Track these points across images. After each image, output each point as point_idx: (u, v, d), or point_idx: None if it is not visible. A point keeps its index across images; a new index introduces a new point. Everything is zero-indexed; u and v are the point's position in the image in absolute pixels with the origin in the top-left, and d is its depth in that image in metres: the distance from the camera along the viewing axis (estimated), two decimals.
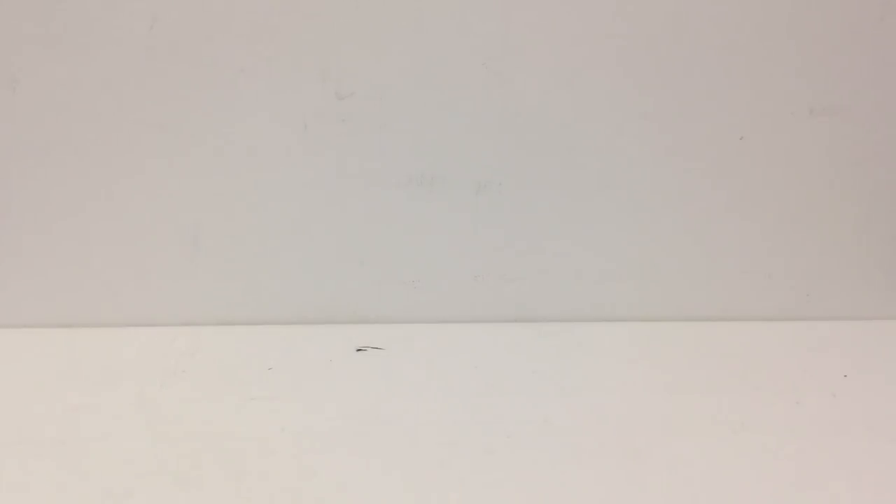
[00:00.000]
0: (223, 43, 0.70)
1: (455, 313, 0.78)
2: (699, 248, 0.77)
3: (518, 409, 0.64)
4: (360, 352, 0.73)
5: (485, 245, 0.76)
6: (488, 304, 0.78)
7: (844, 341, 0.75)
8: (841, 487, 0.55)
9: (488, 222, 0.76)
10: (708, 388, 0.67)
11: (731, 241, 0.77)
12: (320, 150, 0.73)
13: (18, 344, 0.73)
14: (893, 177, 0.76)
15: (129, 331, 0.75)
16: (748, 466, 0.57)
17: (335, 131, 0.73)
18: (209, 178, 0.73)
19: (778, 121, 0.74)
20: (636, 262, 0.77)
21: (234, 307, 0.77)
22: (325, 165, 0.74)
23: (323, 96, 0.72)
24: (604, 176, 0.75)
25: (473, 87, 0.72)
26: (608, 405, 0.65)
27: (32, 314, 0.76)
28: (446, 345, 0.74)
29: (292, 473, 0.57)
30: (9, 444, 0.59)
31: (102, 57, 0.70)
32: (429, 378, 0.69)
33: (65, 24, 0.69)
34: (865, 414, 0.64)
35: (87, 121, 0.71)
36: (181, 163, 0.73)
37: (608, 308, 0.78)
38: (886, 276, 0.78)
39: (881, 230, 0.77)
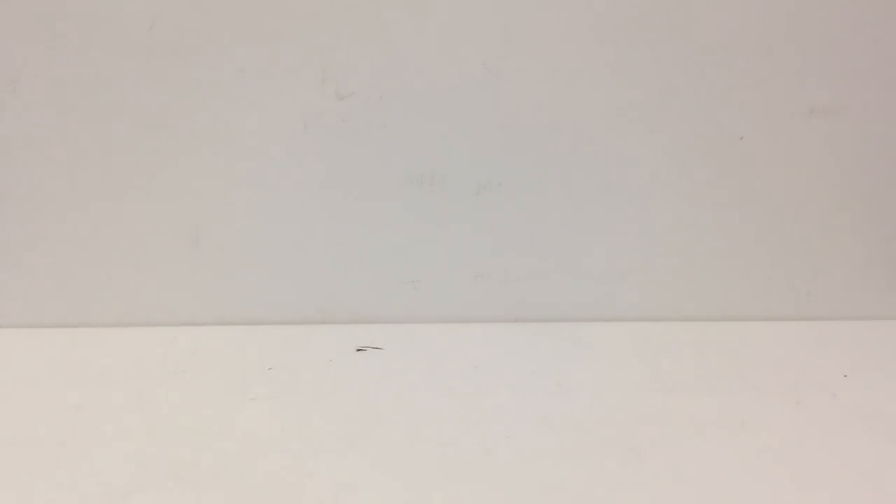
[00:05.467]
0: (223, 43, 0.70)
1: (455, 313, 0.78)
2: (699, 248, 0.77)
3: (518, 409, 0.64)
4: (360, 352, 0.73)
5: (485, 245, 0.76)
6: (488, 304, 0.78)
7: (844, 341, 0.75)
8: (841, 487, 0.55)
9: (488, 222, 0.76)
10: (708, 388, 0.67)
11: (731, 241, 0.77)
12: (320, 150, 0.73)
13: (18, 344, 0.73)
14: (893, 177, 0.76)
15: (129, 331, 0.75)
16: (748, 466, 0.57)
17: (335, 131, 0.73)
18: (209, 178, 0.73)
19: (778, 121, 0.74)
20: (636, 262, 0.77)
21: (234, 307, 0.77)
22: (325, 165, 0.74)
23: (323, 96, 0.72)
24: (604, 176, 0.75)
25: (473, 87, 0.72)
26: (608, 405, 0.65)
27: (32, 314, 0.76)
28: (446, 345, 0.74)
29: (292, 473, 0.56)
30: (9, 444, 0.59)
31: (102, 57, 0.70)
32: (429, 378, 0.69)
33: (65, 24, 0.69)
34: (865, 414, 0.64)
35: (87, 121, 0.71)
36: (181, 163, 0.73)
37: (608, 308, 0.78)
38: (886, 276, 0.78)
39: (881, 230, 0.77)
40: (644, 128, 0.74)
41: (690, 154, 0.75)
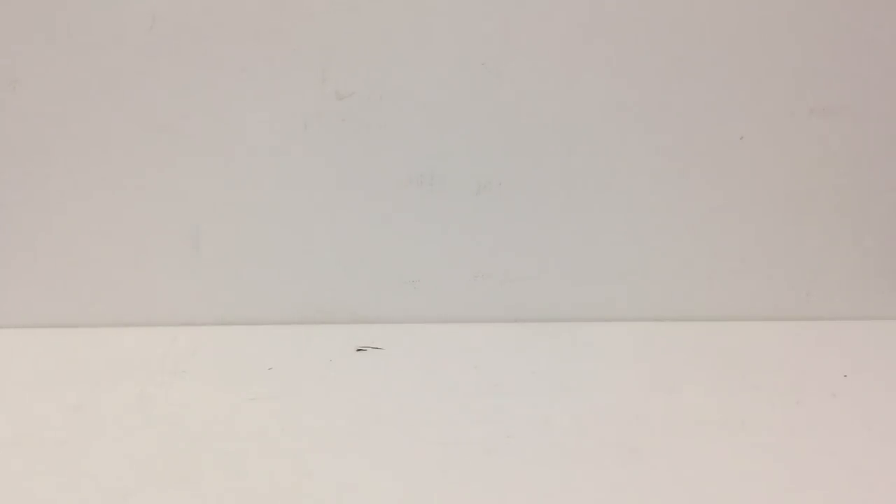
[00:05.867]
0: (223, 43, 0.70)
1: (455, 313, 0.78)
2: (699, 248, 0.77)
3: (518, 409, 0.64)
4: (360, 352, 0.73)
5: (485, 245, 0.76)
6: (488, 304, 0.78)
7: (844, 341, 0.75)
8: (841, 487, 0.55)
9: (488, 222, 0.76)
10: (708, 388, 0.67)
11: (731, 241, 0.77)
12: (320, 150, 0.73)
13: (18, 344, 0.73)
14: (893, 177, 0.76)
15: (129, 331, 0.75)
16: (748, 466, 0.57)
17: (335, 131, 0.73)
18: (209, 178, 0.73)
19: (778, 121, 0.74)
20: (636, 262, 0.77)
21: (234, 307, 0.77)
22: (325, 165, 0.74)
23: (323, 96, 0.72)
24: (604, 176, 0.75)
25: (473, 87, 0.72)
26: (608, 405, 0.65)
27: (32, 314, 0.76)
28: (446, 345, 0.74)
29: (292, 473, 0.57)
30: (9, 444, 0.59)
31: (102, 57, 0.70)
32: (429, 378, 0.69)
33: (65, 24, 0.69)
34: (865, 414, 0.64)
35: (87, 121, 0.71)
36: (181, 163, 0.73)
37: (608, 308, 0.78)
38: (886, 276, 0.78)
39: (881, 230, 0.77)
40: (644, 128, 0.74)
41: (690, 154, 0.75)
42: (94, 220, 0.74)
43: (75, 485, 0.55)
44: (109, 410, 0.63)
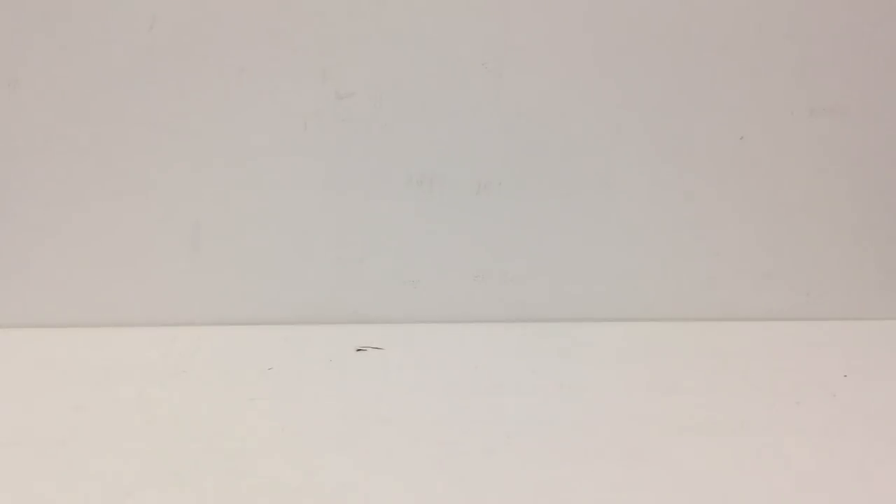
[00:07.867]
0: (223, 43, 0.70)
1: (455, 313, 0.78)
2: (699, 248, 0.77)
3: (518, 409, 0.64)
4: (360, 352, 0.73)
5: (485, 245, 0.76)
6: (488, 304, 0.78)
7: (844, 341, 0.75)
8: (841, 487, 0.55)
9: (488, 222, 0.76)
10: (708, 388, 0.67)
11: (731, 241, 0.77)
12: (320, 150, 0.73)
13: (18, 344, 0.73)
14: (893, 177, 0.76)
15: (129, 331, 0.75)
16: (748, 466, 0.57)
17: (335, 131, 0.73)
18: (209, 178, 0.73)
19: (778, 121, 0.74)
20: (636, 262, 0.77)
21: (234, 307, 0.77)
22: (325, 165, 0.74)
23: (323, 96, 0.72)
24: (604, 176, 0.75)
25: (473, 87, 0.72)
26: (608, 405, 0.64)
27: (32, 314, 0.76)
28: (446, 345, 0.74)
29: (292, 473, 0.56)
30: (9, 444, 0.59)
31: (102, 57, 0.70)
32: (429, 378, 0.69)
33: (65, 24, 0.69)
34: (865, 414, 0.64)
35: (87, 121, 0.71)
36: (181, 163, 0.73)
37: (608, 308, 0.78)
38: (886, 276, 0.78)
39: (881, 230, 0.77)
40: (644, 128, 0.74)
41: (690, 154, 0.75)
42: (94, 220, 0.74)
43: (75, 485, 0.55)
44: (109, 410, 0.63)
